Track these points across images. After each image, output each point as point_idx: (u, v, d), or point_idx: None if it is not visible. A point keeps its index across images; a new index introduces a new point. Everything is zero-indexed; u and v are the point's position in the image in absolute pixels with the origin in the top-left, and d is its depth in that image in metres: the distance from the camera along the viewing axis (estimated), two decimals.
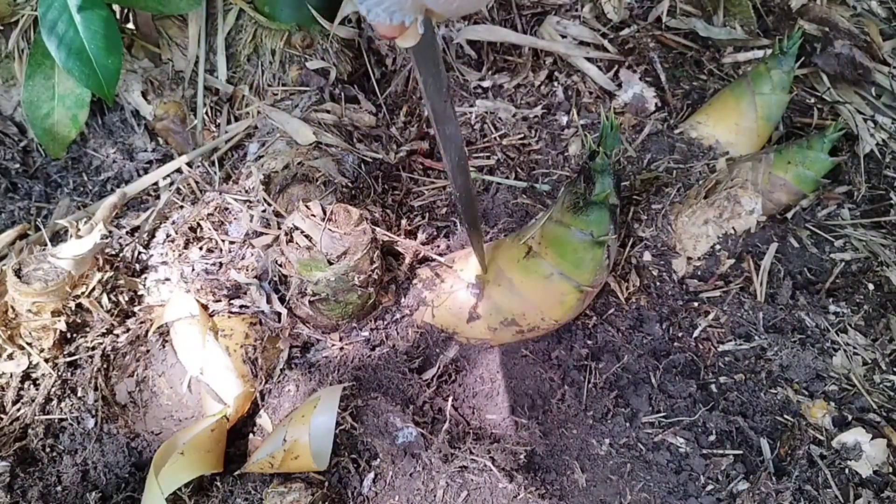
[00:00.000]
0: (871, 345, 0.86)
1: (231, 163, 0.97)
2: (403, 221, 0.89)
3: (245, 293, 0.79)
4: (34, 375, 0.76)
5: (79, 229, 0.79)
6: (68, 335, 0.77)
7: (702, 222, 0.87)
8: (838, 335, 0.86)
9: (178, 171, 0.97)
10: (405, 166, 1.00)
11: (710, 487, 0.72)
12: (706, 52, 1.13)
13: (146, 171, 0.99)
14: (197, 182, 0.95)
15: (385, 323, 0.81)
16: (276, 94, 1.02)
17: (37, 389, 0.76)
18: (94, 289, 0.78)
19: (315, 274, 0.73)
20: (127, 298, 0.81)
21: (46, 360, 0.76)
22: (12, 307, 0.75)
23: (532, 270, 0.74)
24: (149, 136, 1.04)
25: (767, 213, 0.92)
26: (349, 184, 0.89)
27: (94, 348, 0.77)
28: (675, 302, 0.86)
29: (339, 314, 0.78)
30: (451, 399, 0.76)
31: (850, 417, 0.78)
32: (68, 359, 0.77)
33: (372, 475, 0.69)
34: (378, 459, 0.69)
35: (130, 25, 1.01)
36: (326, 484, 0.68)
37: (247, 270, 0.80)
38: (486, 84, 1.10)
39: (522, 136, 1.04)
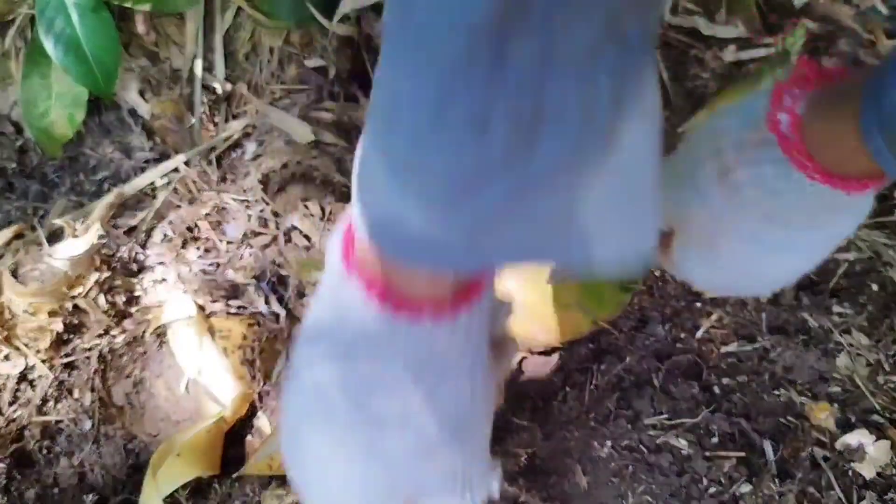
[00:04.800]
0: (875, 346, 0.85)
1: (229, 162, 0.97)
2: None
3: (243, 294, 0.79)
4: (30, 377, 0.76)
5: (75, 229, 0.79)
6: (65, 336, 0.76)
7: None
8: (842, 336, 0.85)
9: (176, 170, 0.96)
10: None
11: (712, 490, 0.72)
12: (709, 51, 1.12)
13: (143, 171, 0.98)
14: (194, 181, 0.94)
15: None
16: (275, 93, 1.01)
17: (33, 391, 0.75)
18: (90, 289, 0.77)
19: (314, 274, 0.72)
20: (124, 299, 0.80)
21: (43, 362, 0.75)
22: (8, 308, 0.75)
23: (552, 297, 0.73)
24: (146, 135, 1.03)
25: None
26: (349, 183, 0.89)
27: (90, 349, 0.76)
28: (678, 303, 0.86)
29: None
30: None
31: (853, 419, 0.78)
32: (65, 360, 0.76)
33: None
34: None
35: (128, 23, 1.00)
36: None
37: (245, 271, 0.80)
38: None
39: None
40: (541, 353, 0.80)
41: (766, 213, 0.45)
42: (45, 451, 0.74)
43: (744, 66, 1.11)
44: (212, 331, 0.76)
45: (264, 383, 0.77)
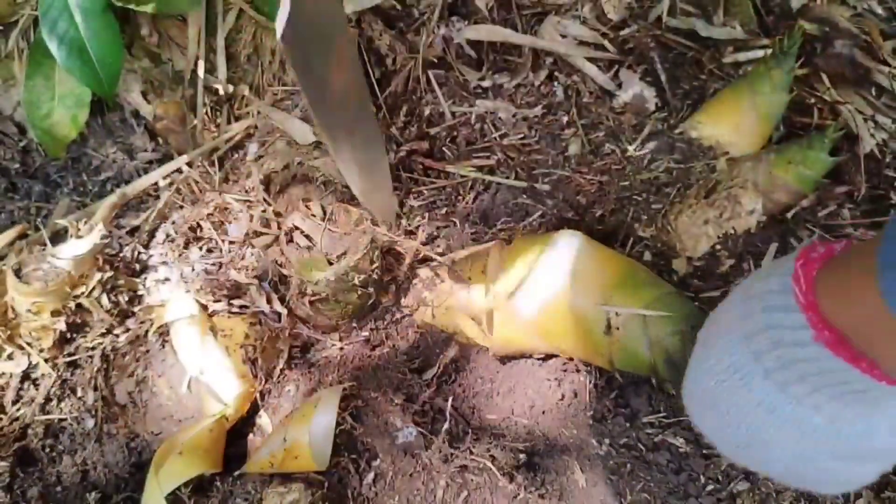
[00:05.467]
0: None
1: (231, 163, 0.97)
2: (403, 221, 0.89)
3: (245, 293, 0.79)
4: (34, 376, 0.76)
5: (79, 229, 0.79)
6: (68, 335, 0.77)
7: (702, 222, 0.87)
8: None
9: (178, 171, 0.97)
10: (405, 166, 1.00)
11: (710, 488, 0.72)
12: (706, 52, 1.13)
13: (146, 171, 0.99)
14: (197, 182, 0.95)
15: (385, 323, 0.81)
16: (276, 94, 1.02)
17: (36, 390, 0.76)
18: (93, 289, 0.78)
19: (315, 274, 0.73)
20: (127, 298, 0.80)
21: (46, 361, 0.76)
22: (12, 307, 0.75)
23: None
24: (149, 135, 1.04)
25: (768, 213, 0.91)
26: (349, 183, 0.89)
27: (93, 348, 0.77)
28: None
29: (339, 314, 0.78)
30: (451, 399, 0.76)
31: None
32: (68, 359, 0.77)
33: (372, 475, 0.69)
34: (378, 459, 0.69)
35: (130, 25, 1.01)
36: (326, 484, 0.68)
37: (247, 270, 0.80)
38: (486, 84, 1.10)
39: (522, 136, 1.03)
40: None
41: (779, 380, 0.43)
42: (48, 450, 0.75)
43: (741, 67, 1.11)
44: (214, 330, 0.77)
45: (266, 382, 0.78)
